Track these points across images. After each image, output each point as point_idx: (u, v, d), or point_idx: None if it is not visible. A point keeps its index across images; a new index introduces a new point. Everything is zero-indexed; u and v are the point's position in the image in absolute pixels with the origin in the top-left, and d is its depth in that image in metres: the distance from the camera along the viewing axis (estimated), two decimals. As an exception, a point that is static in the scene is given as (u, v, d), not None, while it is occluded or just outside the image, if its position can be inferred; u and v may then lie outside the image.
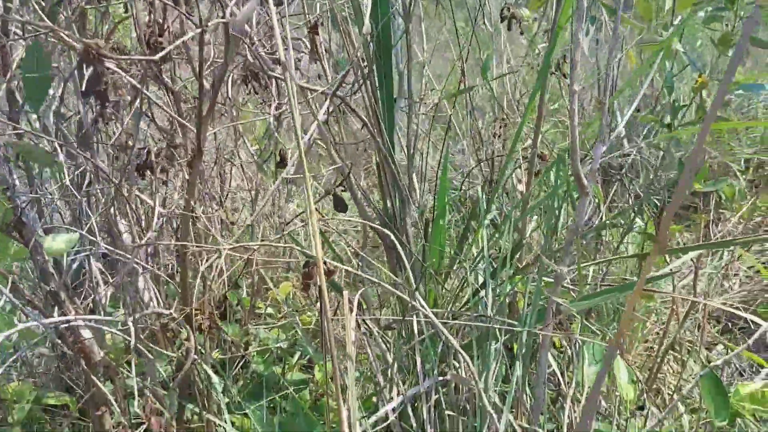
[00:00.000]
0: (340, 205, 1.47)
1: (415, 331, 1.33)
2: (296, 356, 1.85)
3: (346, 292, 1.02)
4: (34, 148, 1.13)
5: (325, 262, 1.01)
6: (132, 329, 0.99)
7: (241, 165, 1.78)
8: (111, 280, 1.49)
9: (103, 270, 1.50)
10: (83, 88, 1.17)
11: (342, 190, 1.46)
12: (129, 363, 1.63)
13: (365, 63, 1.30)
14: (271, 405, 1.67)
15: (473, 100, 1.64)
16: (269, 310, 1.94)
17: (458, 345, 1.08)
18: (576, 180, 1.03)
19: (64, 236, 1.12)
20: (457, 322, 1.23)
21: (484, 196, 1.60)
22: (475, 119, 1.66)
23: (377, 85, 1.31)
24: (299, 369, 1.84)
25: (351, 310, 1.00)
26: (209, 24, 0.92)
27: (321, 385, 1.80)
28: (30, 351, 1.59)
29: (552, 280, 1.19)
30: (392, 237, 1.39)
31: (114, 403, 1.26)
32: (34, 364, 1.67)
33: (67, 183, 1.04)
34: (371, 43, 1.27)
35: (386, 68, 1.30)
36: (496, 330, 1.24)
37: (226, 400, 1.33)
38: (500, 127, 1.88)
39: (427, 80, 1.63)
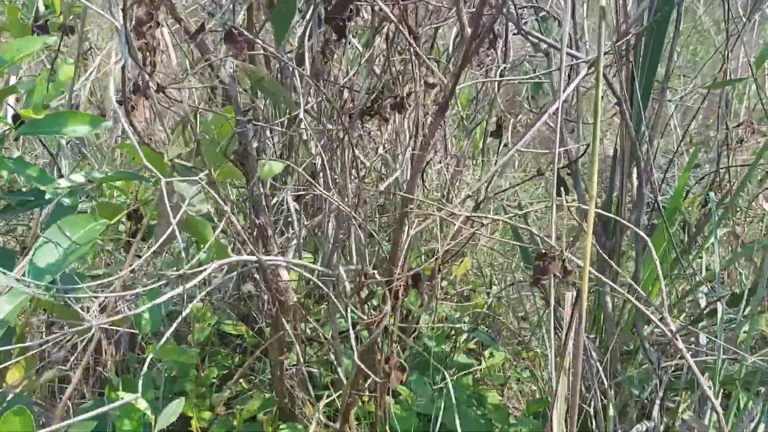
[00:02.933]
0: (561, 188, 1.31)
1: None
2: (463, 337, 1.75)
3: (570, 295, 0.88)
4: (268, 77, 1.08)
5: (564, 259, 0.86)
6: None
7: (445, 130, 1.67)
8: (306, 222, 1.46)
9: (298, 209, 1.47)
10: (325, 14, 1.10)
11: (567, 173, 1.31)
12: (308, 309, 1.61)
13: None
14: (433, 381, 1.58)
15: (730, 94, 1.40)
16: (443, 283, 1.84)
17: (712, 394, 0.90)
18: None
19: (278, 162, 1.09)
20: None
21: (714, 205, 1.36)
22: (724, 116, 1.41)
23: (640, 61, 1.13)
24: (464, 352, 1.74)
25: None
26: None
27: (484, 375, 1.69)
28: (214, 276, 1.60)
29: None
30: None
31: (298, 347, 1.22)
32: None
33: (302, 116, 0.98)
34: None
35: (656, 45, 1.11)
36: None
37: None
38: (749, 132, 1.61)
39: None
